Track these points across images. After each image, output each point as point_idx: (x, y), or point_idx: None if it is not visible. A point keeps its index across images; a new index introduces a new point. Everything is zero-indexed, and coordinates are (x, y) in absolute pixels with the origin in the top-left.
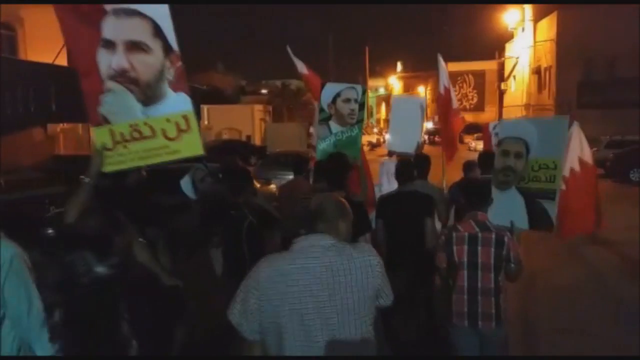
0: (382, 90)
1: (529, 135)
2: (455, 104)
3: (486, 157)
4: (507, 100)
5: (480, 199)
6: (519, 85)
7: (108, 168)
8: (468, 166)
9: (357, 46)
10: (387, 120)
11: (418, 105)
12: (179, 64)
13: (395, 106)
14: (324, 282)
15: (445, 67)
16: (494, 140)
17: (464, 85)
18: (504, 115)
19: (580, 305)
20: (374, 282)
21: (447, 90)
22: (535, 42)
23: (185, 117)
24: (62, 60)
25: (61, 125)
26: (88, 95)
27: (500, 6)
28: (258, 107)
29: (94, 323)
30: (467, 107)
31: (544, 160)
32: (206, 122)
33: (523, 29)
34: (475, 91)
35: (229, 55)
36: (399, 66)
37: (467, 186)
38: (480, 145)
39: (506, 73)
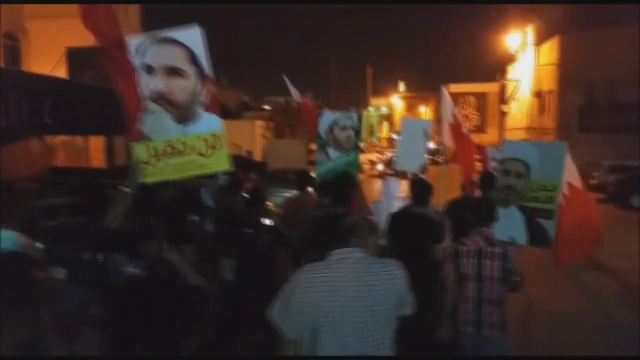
0: (384, 109)
1: (529, 157)
2: (464, 128)
3: (486, 177)
4: (508, 122)
5: (487, 216)
6: (520, 108)
7: (146, 179)
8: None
9: (360, 65)
10: (388, 139)
11: (422, 128)
12: (212, 88)
13: (403, 126)
14: (355, 290)
15: (449, 98)
16: (491, 164)
17: (465, 107)
18: (506, 138)
19: (579, 334)
20: (398, 292)
21: (456, 117)
22: (536, 65)
23: (215, 136)
24: (60, 72)
25: (60, 136)
26: (128, 114)
27: (503, 29)
28: (259, 123)
29: (127, 320)
30: (469, 128)
31: (542, 182)
32: None
33: (525, 52)
34: (476, 113)
35: (233, 71)
36: (402, 86)
37: (475, 204)
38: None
39: (507, 95)
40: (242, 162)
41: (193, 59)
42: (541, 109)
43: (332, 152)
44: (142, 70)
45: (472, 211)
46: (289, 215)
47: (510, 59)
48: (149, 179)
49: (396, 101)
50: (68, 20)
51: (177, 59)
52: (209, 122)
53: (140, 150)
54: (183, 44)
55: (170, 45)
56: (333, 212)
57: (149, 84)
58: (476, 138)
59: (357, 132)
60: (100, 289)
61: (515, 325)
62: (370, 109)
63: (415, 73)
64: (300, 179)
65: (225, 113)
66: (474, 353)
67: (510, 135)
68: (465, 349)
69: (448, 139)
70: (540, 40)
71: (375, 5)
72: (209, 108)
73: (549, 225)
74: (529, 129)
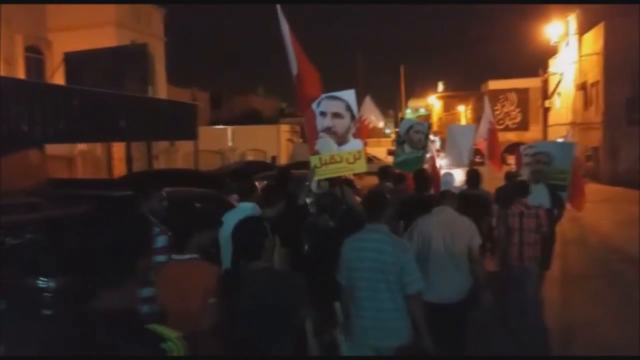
0: (422, 111)
1: (552, 151)
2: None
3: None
4: (551, 118)
5: (525, 191)
6: (563, 103)
7: (316, 177)
8: (510, 175)
9: (397, 67)
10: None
11: (471, 131)
12: (358, 124)
13: (450, 133)
14: (446, 228)
15: (489, 107)
16: (524, 159)
17: (507, 104)
18: (549, 134)
19: None
20: (470, 231)
21: (492, 123)
22: (580, 56)
23: (358, 152)
24: (59, 80)
25: (79, 146)
26: (310, 139)
27: (543, 20)
28: (284, 128)
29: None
30: (510, 126)
31: (561, 167)
32: (230, 144)
33: (567, 44)
34: (518, 109)
35: (273, 79)
36: (440, 86)
37: (516, 185)
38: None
39: (550, 90)
40: (266, 169)
41: (349, 107)
42: (586, 102)
43: (407, 148)
44: (318, 115)
45: (515, 189)
46: None
47: (552, 51)
48: (318, 177)
49: (434, 102)
50: (92, 31)
51: (339, 107)
52: (355, 144)
53: (315, 160)
54: (343, 99)
55: (335, 100)
56: (417, 194)
57: (323, 123)
58: (518, 136)
59: (426, 136)
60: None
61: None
62: (408, 111)
63: (454, 72)
64: (381, 173)
65: (261, 120)
66: (517, 281)
67: (554, 132)
68: (511, 278)
69: (484, 135)
70: (583, 29)
71: (408, 6)
72: (356, 135)
73: (563, 196)
74: (573, 124)
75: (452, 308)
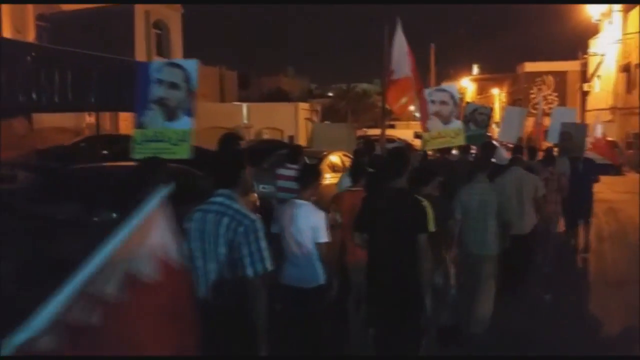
0: None
1: (572, 131)
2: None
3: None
4: (590, 102)
5: (552, 161)
6: (604, 86)
7: (426, 148)
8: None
9: (428, 47)
10: None
11: (522, 114)
12: (458, 111)
13: (506, 112)
14: (518, 181)
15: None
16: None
17: (543, 87)
18: (587, 120)
19: None
20: (534, 184)
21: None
22: (624, 34)
23: (459, 129)
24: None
25: (87, 119)
26: (422, 120)
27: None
28: (303, 106)
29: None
30: (547, 110)
31: (578, 144)
32: (245, 121)
33: (610, 22)
34: (555, 94)
35: (304, 60)
36: (475, 69)
37: (545, 156)
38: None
39: (589, 72)
40: (281, 148)
41: (452, 97)
42: (629, 85)
43: (472, 126)
44: (429, 102)
45: (544, 160)
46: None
47: (592, 31)
48: (428, 148)
49: (467, 84)
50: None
51: (445, 97)
52: (457, 124)
53: (426, 136)
54: (448, 90)
55: (442, 91)
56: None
57: (432, 108)
58: None
59: (489, 117)
60: None
61: None
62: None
63: (489, 55)
64: (442, 150)
65: (288, 100)
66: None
67: (593, 117)
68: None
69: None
70: (629, 5)
71: None
72: (457, 117)
73: (579, 165)
74: (614, 109)
75: (523, 238)
